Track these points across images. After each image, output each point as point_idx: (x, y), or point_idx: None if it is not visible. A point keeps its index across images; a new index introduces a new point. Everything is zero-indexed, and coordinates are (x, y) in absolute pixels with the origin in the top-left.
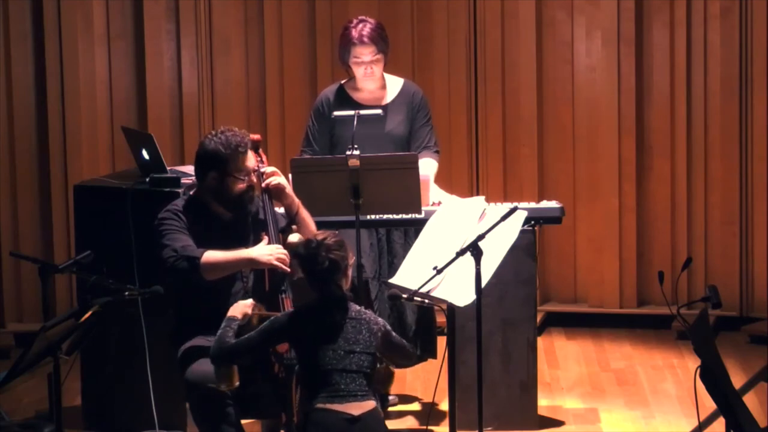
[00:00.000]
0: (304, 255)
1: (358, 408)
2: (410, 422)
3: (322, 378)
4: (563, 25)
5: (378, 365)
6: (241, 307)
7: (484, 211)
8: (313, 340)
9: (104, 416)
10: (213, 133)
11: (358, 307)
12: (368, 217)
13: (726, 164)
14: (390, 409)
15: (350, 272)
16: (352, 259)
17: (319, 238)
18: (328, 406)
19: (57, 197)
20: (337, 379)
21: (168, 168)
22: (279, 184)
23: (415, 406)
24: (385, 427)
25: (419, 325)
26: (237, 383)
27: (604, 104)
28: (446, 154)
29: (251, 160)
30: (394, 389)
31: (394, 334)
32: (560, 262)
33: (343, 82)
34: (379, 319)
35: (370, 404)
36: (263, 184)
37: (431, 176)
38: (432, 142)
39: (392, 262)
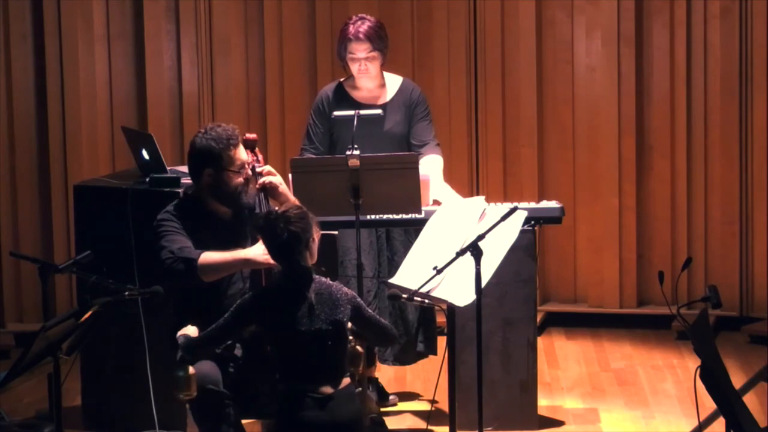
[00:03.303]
0: (262, 226)
1: (328, 387)
2: (410, 422)
3: (290, 357)
4: (563, 25)
5: (348, 345)
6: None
7: (484, 211)
8: (279, 318)
9: (104, 416)
10: (202, 131)
11: (324, 280)
12: (368, 217)
13: (726, 164)
14: (390, 408)
15: (315, 247)
16: (317, 234)
17: (281, 210)
18: (298, 386)
19: (57, 197)
20: (306, 357)
21: (168, 168)
22: (271, 182)
23: (415, 406)
24: (359, 405)
25: (420, 321)
26: (195, 393)
27: (604, 104)
28: (446, 154)
29: (244, 152)
30: (395, 388)
31: (366, 308)
32: (560, 262)
33: (342, 80)
34: (348, 291)
35: (342, 382)
36: (257, 184)
37: (439, 171)
38: (431, 137)
39: (392, 258)
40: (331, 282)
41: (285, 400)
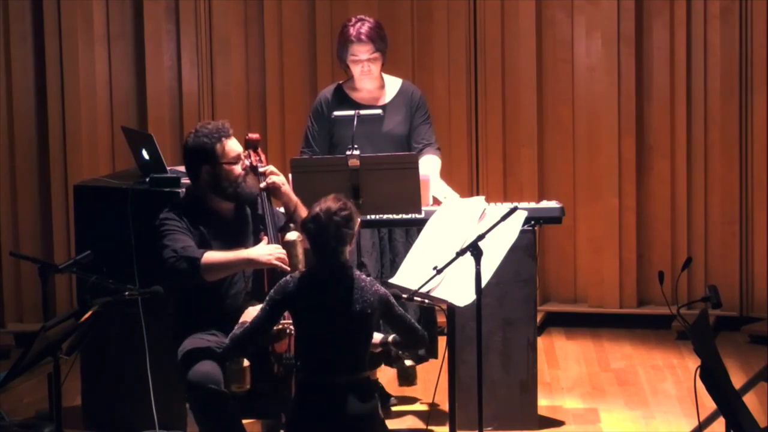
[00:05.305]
0: (313, 230)
1: (348, 378)
2: (410, 422)
3: (316, 346)
4: (563, 25)
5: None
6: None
7: (484, 211)
8: (310, 306)
9: (104, 416)
10: (191, 132)
11: (359, 275)
12: (368, 217)
13: (726, 164)
14: (390, 409)
15: (354, 243)
16: (357, 230)
17: (331, 207)
18: (319, 375)
19: (57, 197)
20: (331, 348)
21: (168, 168)
22: (274, 182)
23: (415, 406)
24: (375, 398)
25: (421, 324)
26: (248, 386)
27: (604, 104)
28: (446, 154)
29: (237, 143)
30: (394, 389)
31: (397, 307)
32: (560, 262)
33: (341, 82)
34: (381, 288)
35: (361, 375)
36: (261, 184)
37: (437, 172)
38: (432, 139)
39: (394, 260)
40: (365, 277)
41: (303, 389)
